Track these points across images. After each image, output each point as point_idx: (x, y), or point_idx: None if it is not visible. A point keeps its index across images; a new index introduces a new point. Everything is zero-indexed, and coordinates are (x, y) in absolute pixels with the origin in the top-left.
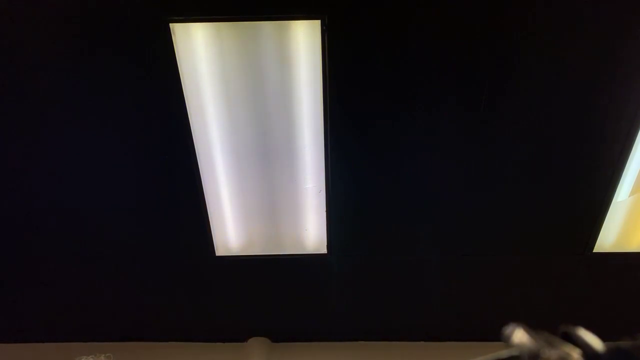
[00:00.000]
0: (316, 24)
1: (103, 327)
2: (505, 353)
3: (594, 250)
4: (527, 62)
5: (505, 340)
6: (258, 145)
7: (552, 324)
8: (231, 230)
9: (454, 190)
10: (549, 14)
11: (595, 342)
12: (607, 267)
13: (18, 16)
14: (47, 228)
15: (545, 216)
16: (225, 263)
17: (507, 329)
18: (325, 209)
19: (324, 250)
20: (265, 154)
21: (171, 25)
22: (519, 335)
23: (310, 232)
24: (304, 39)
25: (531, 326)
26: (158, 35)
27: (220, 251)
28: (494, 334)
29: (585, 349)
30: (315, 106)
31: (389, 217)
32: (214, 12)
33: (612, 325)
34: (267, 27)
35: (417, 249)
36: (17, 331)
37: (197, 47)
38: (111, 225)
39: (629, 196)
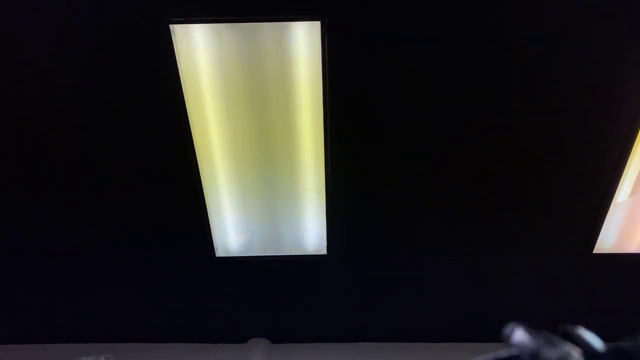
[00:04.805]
0: (316, 25)
1: (103, 327)
2: (505, 352)
3: (594, 251)
4: (526, 61)
5: (506, 340)
6: (258, 145)
7: (552, 324)
8: (231, 231)
9: (453, 190)
10: (549, 13)
11: (595, 341)
12: (607, 268)
13: (17, 16)
14: (47, 228)
15: (545, 216)
16: (225, 264)
17: (507, 329)
18: (324, 210)
19: (323, 251)
20: (266, 154)
21: (171, 25)
22: (519, 335)
23: (310, 233)
24: (304, 40)
25: (531, 326)
26: (158, 35)
27: (220, 252)
28: (494, 334)
29: (585, 348)
30: (315, 106)
31: (389, 218)
32: (214, 13)
33: (612, 325)
34: (267, 28)
35: (416, 249)
36: (17, 331)
37: (197, 47)
38: (111, 226)
39: (629, 196)
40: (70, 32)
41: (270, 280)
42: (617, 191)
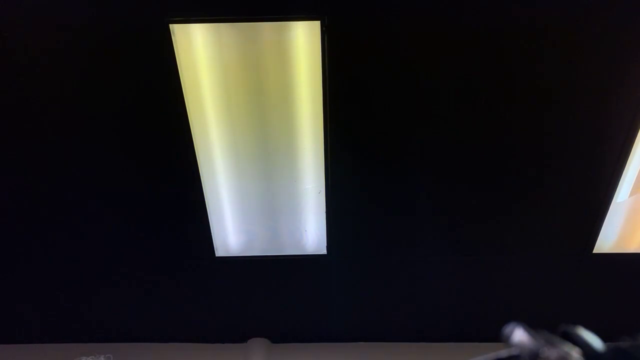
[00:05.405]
0: (316, 25)
1: (103, 327)
2: (505, 352)
3: (594, 251)
4: (526, 62)
5: (505, 340)
6: (258, 145)
7: (552, 323)
8: (231, 231)
9: (453, 190)
10: (548, 14)
11: (594, 341)
12: (606, 268)
13: (17, 16)
14: (47, 228)
15: (545, 216)
16: (225, 264)
17: (507, 329)
18: (324, 210)
19: (323, 251)
20: (265, 154)
21: (171, 25)
22: (519, 335)
23: (310, 233)
24: (304, 40)
25: (531, 326)
26: (158, 35)
27: (220, 252)
28: (494, 334)
29: (585, 348)
30: (315, 106)
31: (389, 217)
32: (214, 13)
33: (612, 325)
34: (267, 28)
35: (416, 249)
36: (17, 331)
37: (197, 47)
38: (111, 226)
39: (629, 196)
40: (71, 32)
41: (270, 280)
42: (617, 191)
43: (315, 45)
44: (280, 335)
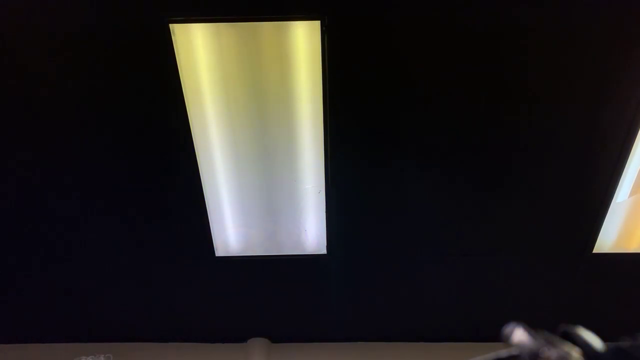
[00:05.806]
0: (316, 25)
1: (103, 327)
2: (505, 352)
3: (594, 251)
4: (526, 61)
5: (505, 340)
6: (258, 145)
7: (552, 323)
8: (231, 231)
9: (453, 190)
10: (547, 14)
11: (595, 341)
12: (606, 268)
13: (17, 16)
14: (47, 228)
15: (545, 216)
16: (225, 263)
17: (507, 328)
18: (324, 210)
19: (323, 251)
20: (265, 154)
21: (171, 25)
22: (519, 335)
23: (310, 233)
24: (303, 40)
25: (531, 326)
26: (158, 35)
27: (220, 252)
28: (494, 334)
29: (585, 348)
30: (315, 106)
31: (388, 217)
32: (214, 13)
33: (612, 325)
34: (267, 28)
35: (416, 249)
36: (17, 331)
37: (197, 47)
38: (111, 226)
39: (629, 197)
40: (70, 32)
41: (270, 280)
42: (617, 191)
43: (315, 45)
44: (280, 335)
